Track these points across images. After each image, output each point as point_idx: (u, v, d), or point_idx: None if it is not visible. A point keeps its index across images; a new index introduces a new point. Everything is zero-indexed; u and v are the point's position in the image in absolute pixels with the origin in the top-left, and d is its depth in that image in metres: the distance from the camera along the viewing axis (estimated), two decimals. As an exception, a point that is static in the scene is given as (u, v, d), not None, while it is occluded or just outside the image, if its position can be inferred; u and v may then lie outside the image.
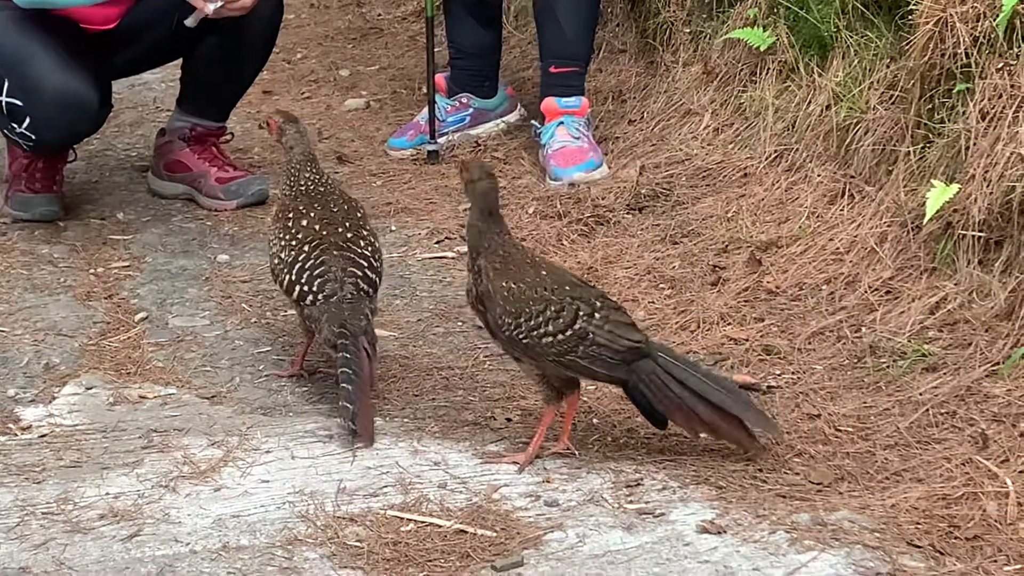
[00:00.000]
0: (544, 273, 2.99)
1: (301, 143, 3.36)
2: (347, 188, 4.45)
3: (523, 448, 3.03)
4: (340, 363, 3.11)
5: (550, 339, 2.93)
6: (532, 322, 2.93)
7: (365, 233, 3.30)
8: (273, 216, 3.39)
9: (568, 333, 2.93)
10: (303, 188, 3.33)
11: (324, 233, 3.26)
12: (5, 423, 3.19)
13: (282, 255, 3.26)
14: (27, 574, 2.65)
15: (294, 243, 3.25)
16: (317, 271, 3.21)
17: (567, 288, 2.97)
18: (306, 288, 3.20)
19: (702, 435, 3.02)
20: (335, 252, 3.23)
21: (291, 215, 3.30)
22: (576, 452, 3.02)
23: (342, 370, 3.09)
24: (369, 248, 3.28)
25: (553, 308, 2.93)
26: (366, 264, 3.24)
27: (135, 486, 2.92)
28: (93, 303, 3.75)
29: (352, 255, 3.24)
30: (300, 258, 3.22)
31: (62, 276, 3.90)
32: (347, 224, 3.29)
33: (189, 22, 3.95)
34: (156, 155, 4.48)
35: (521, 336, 2.94)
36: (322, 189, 3.34)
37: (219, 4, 3.90)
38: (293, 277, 3.22)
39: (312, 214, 3.28)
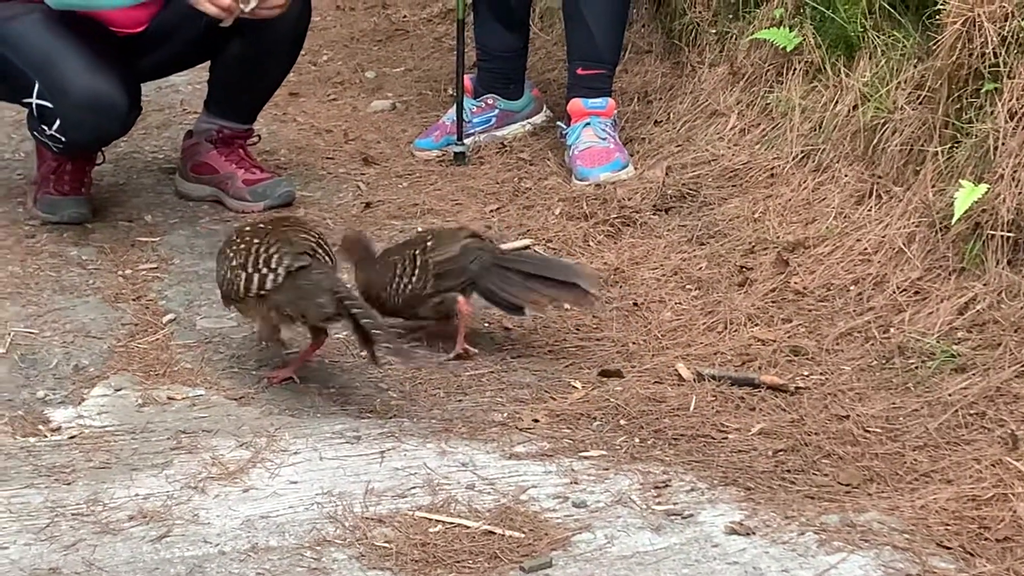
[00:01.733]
0: (391, 249, 3.58)
1: None
2: (373, 190, 4.47)
3: None
4: (360, 314, 3.19)
5: (411, 286, 3.46)
6: (394, 284, 3.47)
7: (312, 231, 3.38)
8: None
9: (416, 272, 3.45)
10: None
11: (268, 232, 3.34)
12: (35, 425, 3.20)
13: (232, 264, 3.32)
14: (57, 575, 2.66)
15: (240, 250, 3.32)
16: (272, 249, 3.28)
17: (403, 245, 3.56)
18: (264, 271, 3.26)
19: (550, 306, 3.54)
20: (280, 235, 3.31)
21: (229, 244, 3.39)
22: (468, 350, 3.46)
23: (364, 321, 3.18)
24: (318, 236, 3.35)
25: (399, 266, 3.47)
26: (314, 240, 3.32)
27: (164, 487, 2.93)
28: (121, 305, 3.76)
29: (297, 239, 3.31)
30: (249, 252, 3.30)
31: (91, 278, 3.91)
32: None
33: (225, 22, 3.95)
34: (183, 157, 4.49)
35: (396, 300, 3.47)
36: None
37: (254, 4, 3.88)
38: (250, 269, 3.27)
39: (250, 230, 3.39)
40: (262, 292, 3.26)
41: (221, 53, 4.27)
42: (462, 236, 3.52)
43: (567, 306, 3.57)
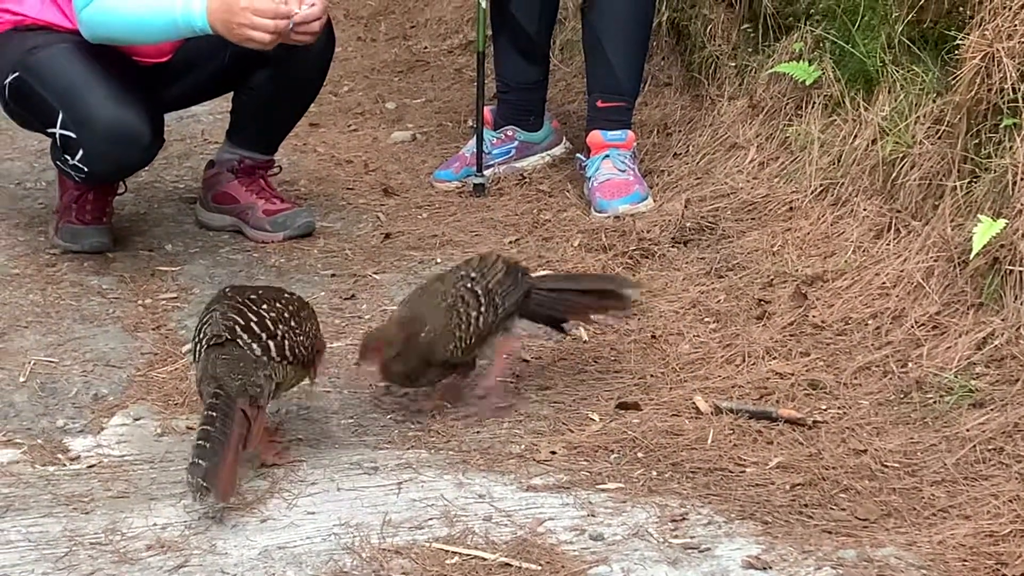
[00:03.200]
0: (422, 305, 3.35)
1: None
2: (392, 220, 4.49)
3: None
4: (202, 420, 2.95)
5: (482, 318, 3.34)
6: (463, 328, 3.31)
7: (278, 306, 3.15)
8: None
9: (483, 300, 3.34)
10: None
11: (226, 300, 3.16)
12: (54, 453, 3.21)
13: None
14: (75, 604, 2.67)
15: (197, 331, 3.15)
16: (203, 320, 3.11)
17: (440, 290, 3.36)
18: (195, 341, 3.10)
19: (593, 318, 3.60)
20: (225, 303, 3.13)
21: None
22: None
23: (201, 427, 2.93)
24: (272, 313, 3.12)
25: (460, 304, 3.32)
26: (255, 320, 3.09)
27: (182, 517, 2.94)
28: (141, 334, 3.77)
29: (240, 306, 3.11)
30: (196, 329, 3.14)
31: (111, 307, 3.93)
32: (254, 299, 3.16)
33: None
34: (204, 187, 4.51)
35: (469, 340, 3.33)
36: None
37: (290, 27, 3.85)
38: (193, 346, 3.13)
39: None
40: (194, 362, 3.13)
41: (244, 84, 4.30)
42: (492, 259, 3.46)
43: (608, 315, 3.62)
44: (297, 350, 3.13)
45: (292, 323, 3.15)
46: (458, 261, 4.13)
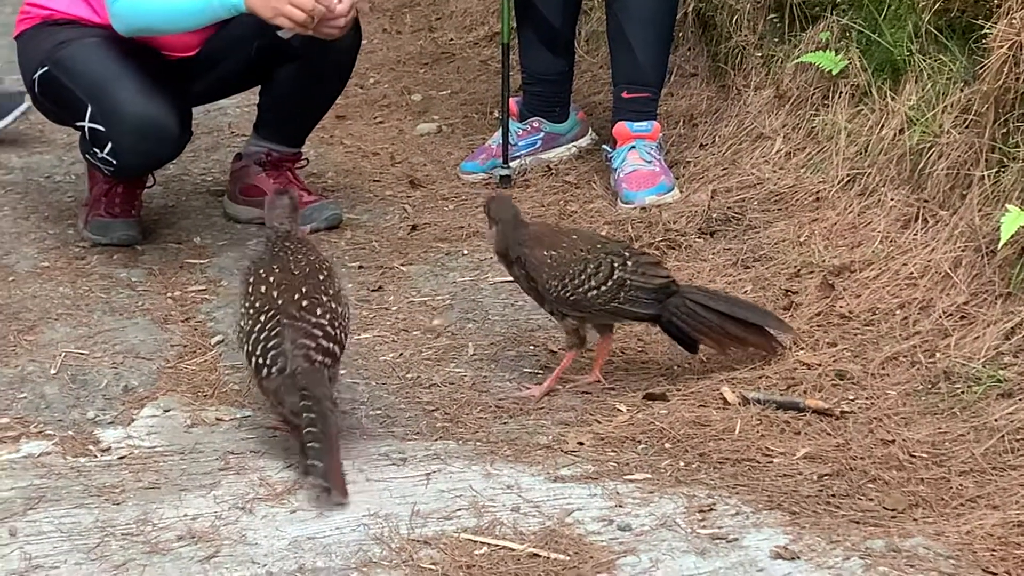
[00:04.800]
0: (575, 237, 3.42)
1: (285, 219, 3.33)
2: (419, 212, 4.50)
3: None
4: (305, 424, 2.99)
5: (594, 292, 3.34)
6: (576, 280, 3.34)
7: (325, 300, 3.15)
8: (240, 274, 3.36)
9: (609, 284, 3.34)
10: (270, 251, 3.28)
11: (280, 302, 3.13)
12: (85, 445, 3.23)
13: (241, 323, 3.18)
14: (107, 594, 2.69)
15: (252, 311, 3.15)
16: (271, 343, 3.10)
17: (598, 246, 3.40)
18: (261, 361, 3.10)
19: (730, 350, 3.46)
20: (286, 322, 3.10)
21: (251, 279, 3.22)
22: (603, 381, 3.42)
23: (307, 430, 2.97)
24: (327, 315, 3.12)
25: (592, 265, 3.34)
26: (321, 334, 3.10)
27: (212, 508, 2.96)
28: (170, 326, 3.79)
29: (305, 325, 3.10)
30: (256, 328, 3.13)
31: (140, 300, 3.95)
32: (303, 290, 3.15)
33: (283, 33, 3.96)
34: (232, 180, 4.53)
35: (568, 294, 3.34)
36: (289, 248, 3.26)
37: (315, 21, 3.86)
38: (250, 348, 3.13)
39: (271, 279, 3.18)
40: (258, 375, 3.15)
41: (271, 78, 4.31)
42: (661, 272, 3.41)
43: (747, 351, 3.47)
44: (345, 335, 3.19)
45: (340, 310, 3.18)
46: (484, 252, 4.15)
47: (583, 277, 3.34)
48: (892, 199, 3.95)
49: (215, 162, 4.98)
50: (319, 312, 3.12)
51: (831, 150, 4.23)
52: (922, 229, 3.80)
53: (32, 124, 5.20)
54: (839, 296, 3.70)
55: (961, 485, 2.95)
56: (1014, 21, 3.55)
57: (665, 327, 3.42)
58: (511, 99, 4.73)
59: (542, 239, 3.39)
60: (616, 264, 3.35)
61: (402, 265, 4.14)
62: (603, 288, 3.34)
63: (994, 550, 2.71)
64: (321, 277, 3.20)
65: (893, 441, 3.12)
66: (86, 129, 4.02)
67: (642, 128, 4.51)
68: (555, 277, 3.34)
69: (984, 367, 3.29)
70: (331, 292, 3.19)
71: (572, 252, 3.36)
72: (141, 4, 3.95)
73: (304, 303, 3.12)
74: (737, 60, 4.77)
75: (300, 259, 3.23)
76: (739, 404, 3.31)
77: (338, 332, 3.14)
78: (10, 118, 5.08)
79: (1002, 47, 3.56)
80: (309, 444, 2.96)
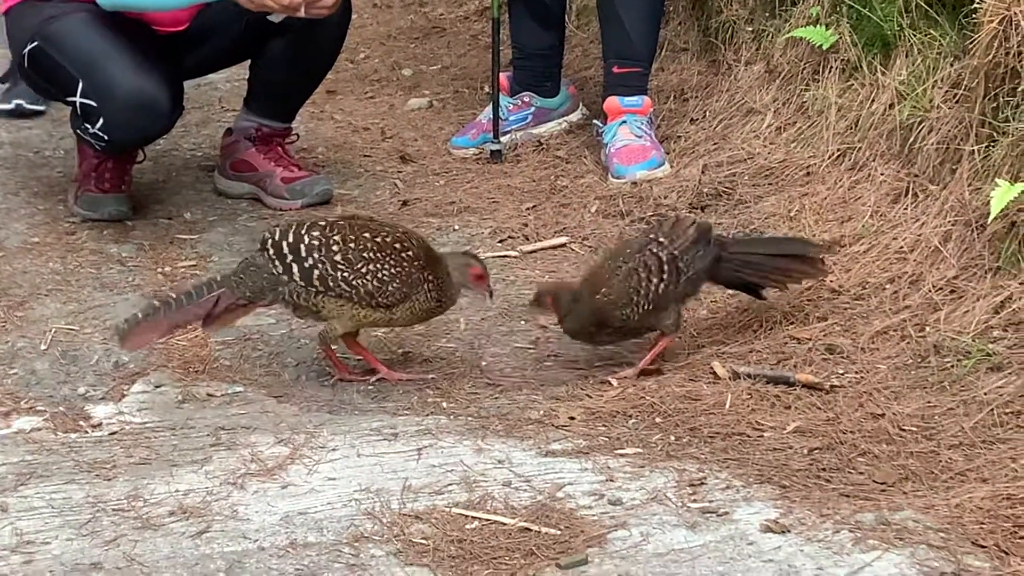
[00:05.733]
0: (607, 264, 3.38)
1: None
2: (410, 187, 4.50)
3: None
4: (188, 289, 3.33)
5: (663, 286, 3.33)
6: (642, 291, 3.32)
7: (336, 238, 3.29)
8: None
9: (666, 268, 3.34)
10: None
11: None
12: (76, 421, 3.23)
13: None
14: (98, 570, 2.69)
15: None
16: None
17: (628, 251, 3.38)
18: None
19: (788, 285, 3.54)
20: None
21: None
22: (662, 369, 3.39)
23: (168, 295, 3.28)
24: (316, 241, 3.28)
25: (641, 270, 3.33)
26: (291, 240, 3.28)
27: (204, 483, 2.96)
28: (161, 302, 3.79)
29: (294, 226, 3.32)
30: None
31: (130, 275, 3.95)
32: (343, 228, 3.32)
33: (273, 18, 3.95)
34: (222, 155, 4.52)
35: (646, 306, 3.33)
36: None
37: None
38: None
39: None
40: None
41: (261, 53, 4.31)
42: (686, 224, 3.41)
43: (801, 280, 3.55)
44: (332, 282, 3.27)
45: (337, 256, 3.27)
46: (475, 227, 4.16)
47: (644, 283, 3.32)
48: (882, 174, 3.95)
49: (205, 137, 4.97)
50: (315, 233, 3.30)
51: (821, 125, 4.23)
52: (912, 204, 3.80)
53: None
54: (829, 270, 3.70)
55: (950, 458, 2.96)
56: (1004, -5, 3.55)
57: (726, 282, 3.50)
58: (502, 74, 4.72)
59: (586, 292, 3.35)
60: (655, 249, 3.35)
61: (393, 240, 4.13)
62: (665, 276, 3.33)
63: (983, 523, 2.72)
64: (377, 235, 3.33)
65: (883, 415, 3.13)
66: (77, 104, 4.01)
67: (633, 103, 4.51)
68: (624, 306, 3.32)
69: (974, 341, 3.30)
70: (364, 241, 3.31)
71: (614, 275, 3.34)
72: None
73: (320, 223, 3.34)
74: (728, 35, 4.76)
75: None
76: (730, 379, 3.31)
77: (308, 259, 3.28)
78: None
79: (992, 22, 3.56)
80: (155, 300, 3.33)
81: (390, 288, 3.28)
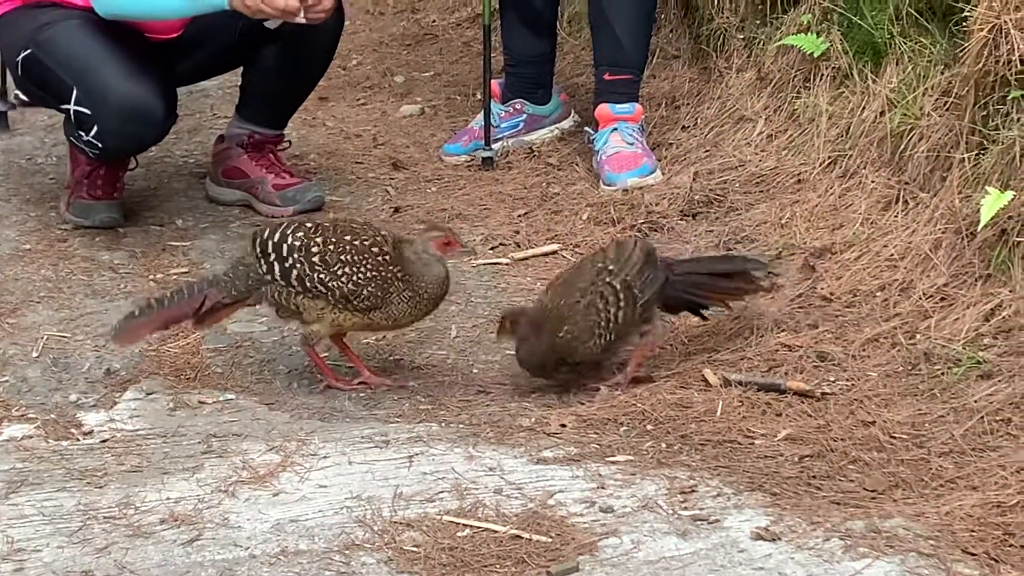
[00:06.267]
0: (562, 302, 3.33)
1: None
2: (402, 194, 4.50)
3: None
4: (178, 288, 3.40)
5: (621, 313, 3.31)
6: (602, 323, 3.30)
7: (317, 240, 3.30)
8: None
9: (622, 297, 3.31)
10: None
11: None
12: (67, 428, 3.24)
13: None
14: (90, 577, 2.70)
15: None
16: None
17: (579, 286, 3.33)
18: None
19: (731, 304, 3.51)
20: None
21: None
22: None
23: (160, 293, 3.35)
24: (299, 242, 3.30)
25: (599, 302, 3.30)
26: (276, 240, 3.31)
27: (195, 491, 2.96)
28: (153, 309, 3.79)
29: (283, 227, 3.35)
30: None
31: (122, 282, 3.95)
32: (326, 230, 3.34)
33: (270, 23, 3.95)
34: (214, 162, 4.52)
35: (608, 337, 3.31)
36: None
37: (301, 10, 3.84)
38: None
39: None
40: None
41: (254, 60, 4.31)
42: (629, 247, 3.38)
43: (744, 299, 3.53)
44: (308, 283, 3.29)
45: (315, 258, 3.29)
46: (466, 234, 4.16)
47: (604, 315, 3.30)
48: (873, 181, 3.96)
49: (197, 144, 4.97)
50: (299, 234, 3.33)
51: (812, 132, 4.24)
52: (903, 211, 3.81)
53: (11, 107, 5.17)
54: (820, 278, 3.71)
55: (941, 466, 2.96)
56: (994, 4, 3.56)
57: (671, 305, 3.44)
58: (493, 81, 4.72)
59: (543, 326, 3.32)
60: (607, 279, 3.32)
61: (384, 247, 4.14)
62: (622, 304, 3.31)
63: (973, 530, 2.73)
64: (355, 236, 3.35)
65: (874, 422, 3.13)
66: (71, 112, 4.01)
67: (624, 110, 4.52)
68: (587, 339, 3.30)
69: (964, 348, 3.30)
70: (343, 241, 3.33)
71: (572, 310, 3.30)
72: None
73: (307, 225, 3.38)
74: (719, 42, 4.77)
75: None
76: (721, 386, 3.32)
77: (289, 259, 3.31)
78: None
79: (982, 30, 3.57)
80: (149, 299, 3.41)
81: (365, 292, 3.28)
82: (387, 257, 3.31)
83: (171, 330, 3.53)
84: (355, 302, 3.29)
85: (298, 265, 3.29)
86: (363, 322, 3.33)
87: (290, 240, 3.31)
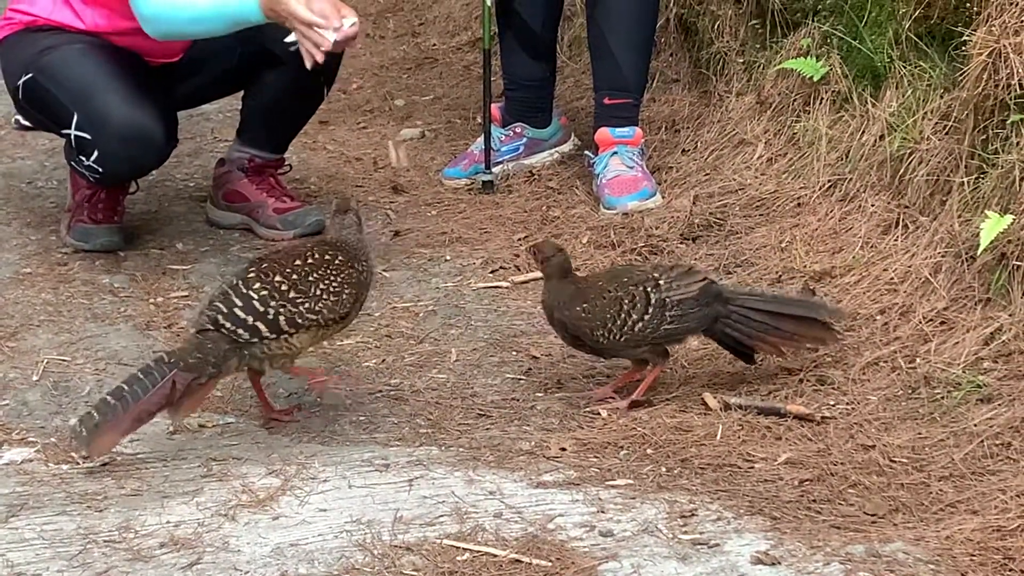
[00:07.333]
0: (601, 283, 3.39)
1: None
2: (402, 218, 4.50)
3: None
4: (135, 376, 3.13)
5: (641, 324, 3.32)
6: (619, 321, 3.32)
7: (277, 280, 3.23)
8: None
9: (650, 310, 3.33)
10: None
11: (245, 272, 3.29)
12: (68, 452, 3.23)
13: None
14: (89, 601, 2.69)
15: None
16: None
17: (625, 279, 3.38)
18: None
19: (788, 351, 3.42)
20: (223, 286, 3.28)
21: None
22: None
23: (119, 384, 3.12)
24: (264, 291, 3.20)
25: (627, 301, 3.33)
26: (241, 304, 3.19)
27: (195, 514, 2.96)
28: (153, 333, 3.79)
29: (231, 291, 3.22)
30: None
31: (122, 306, 3.95)
32: (273, 267, 3.26)
33: (290, 39, 3.93)
34: (215, 185, 4.52)
35: (618, 337, 3.33)
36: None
37: (336, 38, 3.84)
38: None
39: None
40: None
41: (254, 84, 4.31)
42: (696, 277, 3.37)
43: (804, 347, 3.44)
44: (300, 319, 3.22)
45: (291, 293, 3.23)
46: (466, 258, 4.16)
47: (623, 315, 3.32)
48: (873, 205, 3.96)
49: (198, 167, 4.98)
50: (257, 287, 3.21)
51: (812, 156, 4.25)
52: (902, 235, 3.82)
53: (14, 129, 5.17)
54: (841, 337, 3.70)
55: (941, 490, 2.96)
56: (993, 28, 3.57)
57: (719, 338, 3.41)
58: (493, 105, 4.73)
59: (575, 296, 3.36)
60: (649, 288, 3.34)
61: (385, 271, 4.15)
62: (647, 317, 3.32)
63: (973, 555, 2.73)
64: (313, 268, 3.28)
65: (873, 446, 3.13)
66: (72, 136, 4.01)
67: (624, 134, 4.52)
68: (597, 327, 3.33)
69: (964, 372, 3.31)
70: (292, 276, 3.24)
71: (602, 296, 3.34)
72: (172, 10, 3.91)
73: (251, 275, 3.24)
74: (719, 66, 4.78)
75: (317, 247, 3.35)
76: (721, 410, 3.32)
77: (265, 309, 3.19)
78: None
79: (981, 54, 3.58)
80: (106, 395, 3.11)
81: (343, 296, 3.28)
82: (340, 258, 3.31)
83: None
84: (340, 309, 3.28)
85: (281, 309, 3.22)
86: (342, 325, 3.35)
87: (256, 294, 3.21)
